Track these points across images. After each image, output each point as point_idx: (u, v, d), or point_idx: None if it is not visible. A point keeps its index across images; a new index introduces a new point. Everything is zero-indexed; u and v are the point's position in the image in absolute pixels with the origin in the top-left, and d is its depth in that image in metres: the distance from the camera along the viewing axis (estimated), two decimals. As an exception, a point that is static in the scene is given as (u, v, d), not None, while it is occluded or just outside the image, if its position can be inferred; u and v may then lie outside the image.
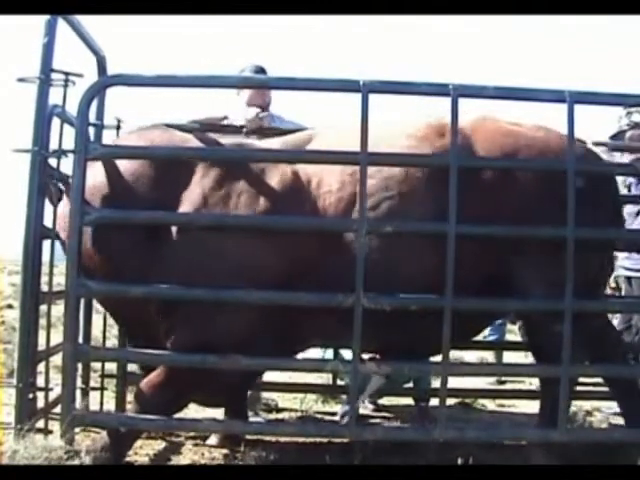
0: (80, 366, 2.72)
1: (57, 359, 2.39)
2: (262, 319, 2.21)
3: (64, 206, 2.36)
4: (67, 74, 2.36)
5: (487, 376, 3.86)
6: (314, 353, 3.05)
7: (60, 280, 2.37)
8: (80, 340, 2.38)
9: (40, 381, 2.40)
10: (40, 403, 2.37)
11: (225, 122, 3.18)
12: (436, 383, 3.12)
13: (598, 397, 3.14)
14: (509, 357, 4.47)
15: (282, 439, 2.72)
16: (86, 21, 2.62)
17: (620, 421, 2.71)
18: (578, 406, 3.20)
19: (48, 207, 2.39)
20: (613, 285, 3.79)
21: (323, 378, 3.64)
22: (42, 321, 2.42)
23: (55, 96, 2.39)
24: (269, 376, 3.21)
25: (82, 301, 2.48)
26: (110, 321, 3.07)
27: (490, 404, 3.72)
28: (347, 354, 3.00)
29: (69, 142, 2.30)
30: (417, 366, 2.47)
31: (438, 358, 2.20)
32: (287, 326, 2.24)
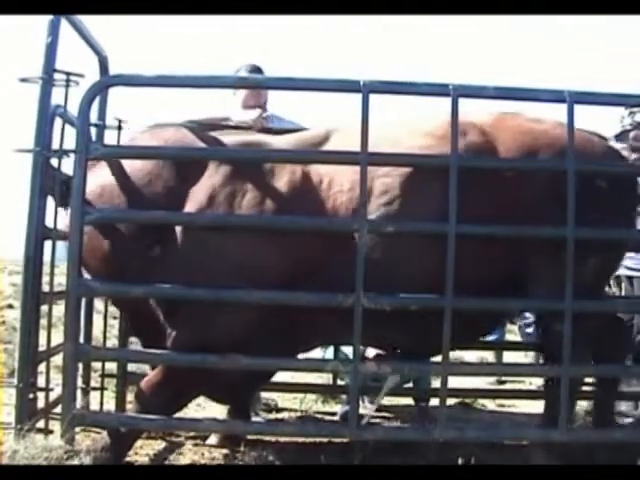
0: (80, 366, 2.72)
1: (58, 359, 2.39)
2: (267, 319, 2.21)
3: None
4: (68, 74, 2.36)
5: (487, 376, 3.87)
6: (314, 353, 3.05)
7: (61, 280, 2.37)
8: (81, 340, 2.38)
9: (41, 381, 2.40)
10: (40, 403, 2.37)
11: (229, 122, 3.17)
12: (436, 383, 3.12)
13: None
14: (509, 357, 4.47)
15: (282, 439, 2.72)
16: (88, 21, 2.62)
17: (620, 421, 2.71)
18: (578, 406, 3.20)
19: (50, 207, 2.39)
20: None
21: (323, 378, 3.64)
22: (43, 321, 2.42)
23: (56, 96, 2.39)
24: (269, 376, 3.21)
25: (83, 301, 2.48)
26: (110, 321, 3.07)
27: (490, 404, 3.72)
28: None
29: (71, 142, 2.30)
30: (417, 366, 2.47)
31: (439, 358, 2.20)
32: (293, 326, 2.24)
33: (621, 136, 3.39)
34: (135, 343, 3.12)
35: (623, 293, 3.66)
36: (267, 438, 2.67)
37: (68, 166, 2.34)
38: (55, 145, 2.40)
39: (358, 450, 2.43)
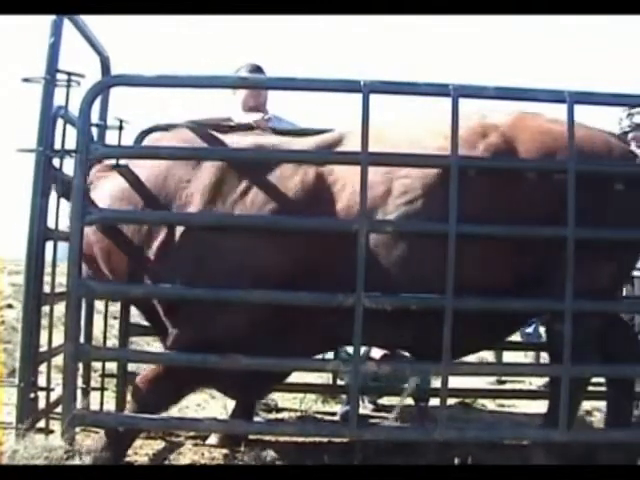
0: (81, 366, 2.72)
1: (58, 359, 2.39)
2: (288, 319, 2.22)
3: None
4: (70, 74, 2.36)
5: (487, 376, 3.86)
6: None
7: (62, 280, 2.37)
8: (81, 340, 2.38)
9: (41, 381, 2.40)
10: (41, 403, 2.37)
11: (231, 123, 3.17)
12: (436, 383, 3.12)
13: (598, 397, 3.13)
14: (509, 357, 4.47)
15: (282, 439, 2.72)
16: (90, 21, 2.62)
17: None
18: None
19: (51, 207, 2.39)
20: None
21: (323, 378, 3.64)
22: (44, 321, 2.42)
23: (58, 96, 2.40)
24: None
25: (83, 301, 2.48)
26: (110, 321, 3.07)
27: (490, 404, 3.72)
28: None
29: (72, 143, 2.30)
30: (418, 366, 2.47)
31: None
32: (306, 326, 2.24)
33: (620, 138, 3.39)
34: (135, 343, 3.12)
35: (624, 293, 3.67)
36: (267, 438, 2.67)
37: (69, 166, 2.35)
38: (57, 145, 2.40)
39: (358, 450, 2.43)
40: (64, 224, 2.42)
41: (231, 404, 2.88)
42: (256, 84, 2.91)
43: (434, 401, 3.15)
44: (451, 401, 3.41)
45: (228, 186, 2.29)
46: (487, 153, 2.22)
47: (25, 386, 2.21)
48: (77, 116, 2.26)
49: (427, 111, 2.43)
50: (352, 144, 2.29)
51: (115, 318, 3.28)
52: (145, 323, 3.06)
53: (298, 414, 3.36)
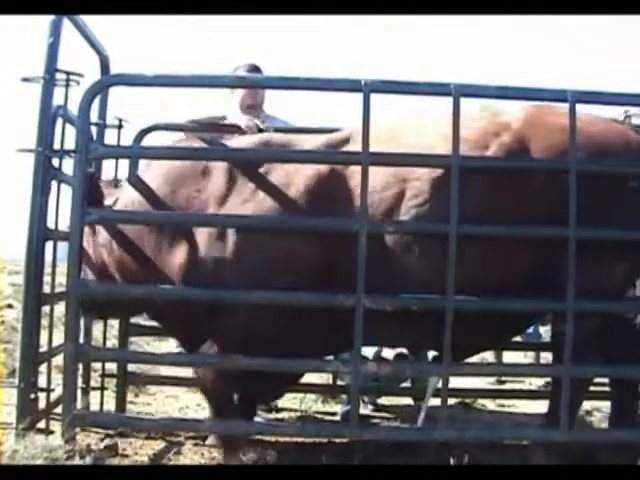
0: (81, 366, 2.72)
1: (58, 359, 2.39)
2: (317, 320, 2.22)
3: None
4: (68, 74, 2.35)
5: (487, 376, 3.86)
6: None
7: (62, 280, 2.37)
8: (81, 340, 2.38)
9: (42, 381, 2.40)
10: (41, 404, 2.37)
11: (225, 122, 3.17)
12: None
13: (598, 397, 3.13)
14: (509, 357, 4.47)
15: (282, 439, 2.71)
16: (89, 21, 2.62)
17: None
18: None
19: (51, 207, 2.39)
20: None
21: (323, 378, 3.64)
22: (44, 321, 2.42)
23: (58, 96, 2.39)
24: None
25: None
26: (110, 321, 3.07)
27: (490, 404, 3.72)
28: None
29: (72, 142, 2.29)
30: (418, 366, 2.46)
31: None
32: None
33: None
34: (135, 343, 3.11)
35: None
36: (267, 438, 2.66)
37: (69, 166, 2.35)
38: (57, 145, 2.40)
39: (358, 450, 2.42)
40: (64, 224, 2.42)
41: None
42: (256, 83, 2.91)
43: (434, 401, 3.15)
44: (451, 401, 3.41)
45: (237, 191, 2.30)
46: (500, 154, 2.19)
47: (25, 387, 2.21)
48: (76, 115, 2.26)
49: (436, 111, 2.39)
50: (356, 145, 2.25)
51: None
52: (145, 323, 3.06)
53: (298, 414, 3.35)
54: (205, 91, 2.72)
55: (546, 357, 4.28)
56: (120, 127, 2.96)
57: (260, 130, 2.90)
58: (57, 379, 2.38)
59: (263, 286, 2.16)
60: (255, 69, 3.23)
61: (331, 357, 2.65)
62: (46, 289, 2.45)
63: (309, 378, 3.56)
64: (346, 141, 2.35)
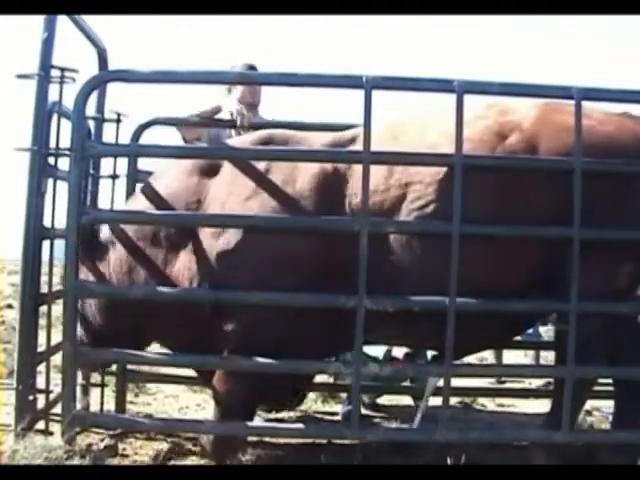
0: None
1: (57, 359, 2.37)
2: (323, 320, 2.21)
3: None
4: (63, 70, 2.32)
5: (487, 376, 3.85)
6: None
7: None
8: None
9: (41, 381, 2.39)
10: (40, 404, 2.35)
11: (220, 114, 3.18)
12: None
13: (597, 397, 3.12)
14: (509, 356, 4.46)
15: (282, 439, 2.70)
16: (89, 19, 2.59)
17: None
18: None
19: (47, 207, 2.36)
20: None
21: (323, 377, 3.62)
22: (42, 321, 2.40)
23: (54, 93, 2.36)
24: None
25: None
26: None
27: (490, 404, 3.71)
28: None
29: (69, 140, 2.27)
30: (419, 367, 2.45)
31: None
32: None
33: None
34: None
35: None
36: (267, 438, 2.65)
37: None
38: (53, 142, 2.37)
39: (358, 450, 2.41)
40: (61, 222, 2.40)
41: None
42: (255, 80, 2.89)
43: (434, 401, 3.13)
44: (451, 401, 3.39)
45: (236, 194, 2.28)
46: (505, 152, 2.16)
47: (23, 388, 2.19)
48: (72, 112, 2.23)
49: (441, 108, 2.36)
50: (360, 144, 2.23)
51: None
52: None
53: (298, 414, 3.34)
54: (203, 87, 2.69)
55: (545, 356, 4.28)
56: (119, 121, 2.93)
57: (258, 127, 2.90)
58: (56, 379, 2.37)
59: (266, 286, 2.14)
60: (251, 69, 3.22)
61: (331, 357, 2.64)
62: (44, 288, 2.44)
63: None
64: (352, 140, 2.33)
